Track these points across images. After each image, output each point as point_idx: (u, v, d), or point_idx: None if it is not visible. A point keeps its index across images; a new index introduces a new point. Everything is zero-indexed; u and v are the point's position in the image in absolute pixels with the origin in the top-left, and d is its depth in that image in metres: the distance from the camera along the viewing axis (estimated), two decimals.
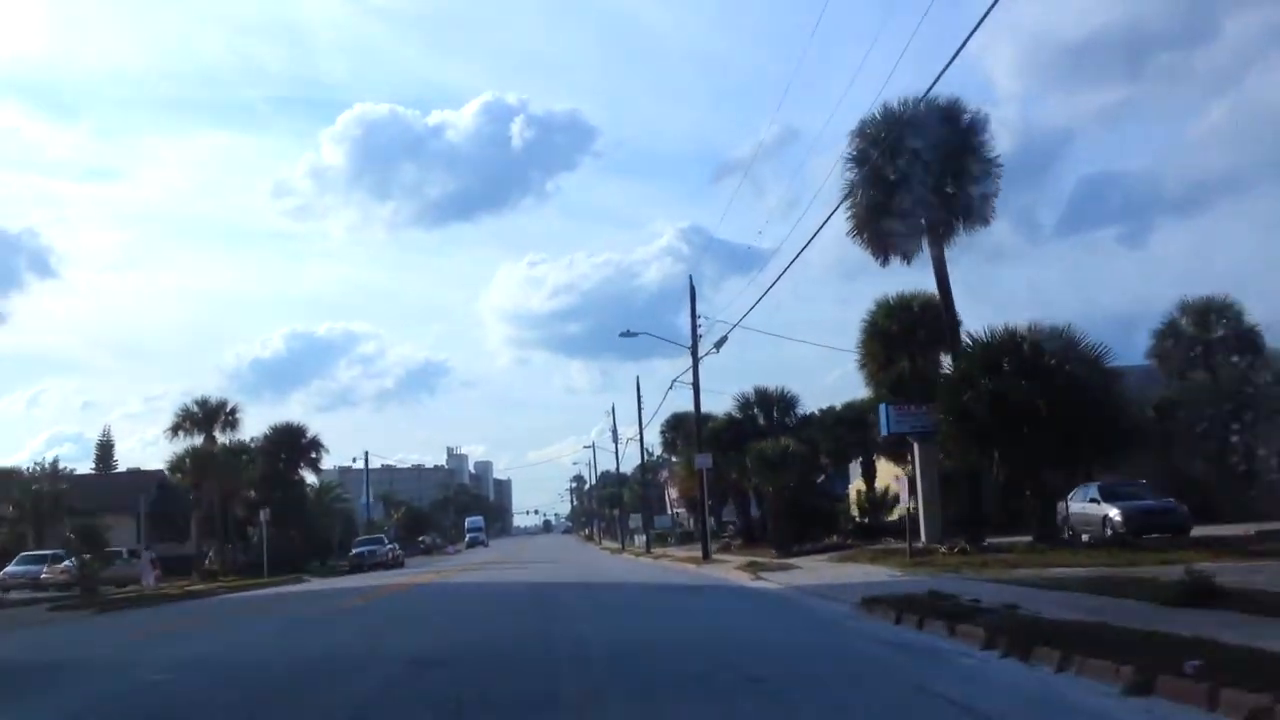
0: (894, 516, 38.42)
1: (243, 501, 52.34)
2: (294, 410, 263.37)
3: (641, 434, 55.34)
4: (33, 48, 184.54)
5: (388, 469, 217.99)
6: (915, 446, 29.25)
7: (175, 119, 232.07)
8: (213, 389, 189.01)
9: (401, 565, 58.48)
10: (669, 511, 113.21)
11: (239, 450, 50.57)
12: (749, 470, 38.48)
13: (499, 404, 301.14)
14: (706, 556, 34.35)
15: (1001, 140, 37.78)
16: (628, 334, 34.16)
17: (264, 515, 43.90)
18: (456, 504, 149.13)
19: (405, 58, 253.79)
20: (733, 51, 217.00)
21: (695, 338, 32.89)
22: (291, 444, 55.51)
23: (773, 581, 21.42)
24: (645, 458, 61.47)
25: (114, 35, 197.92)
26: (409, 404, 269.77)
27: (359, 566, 52.30)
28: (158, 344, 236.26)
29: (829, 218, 24.98)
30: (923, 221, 26.23)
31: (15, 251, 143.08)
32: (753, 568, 25.07)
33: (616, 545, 79.23)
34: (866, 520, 41.01)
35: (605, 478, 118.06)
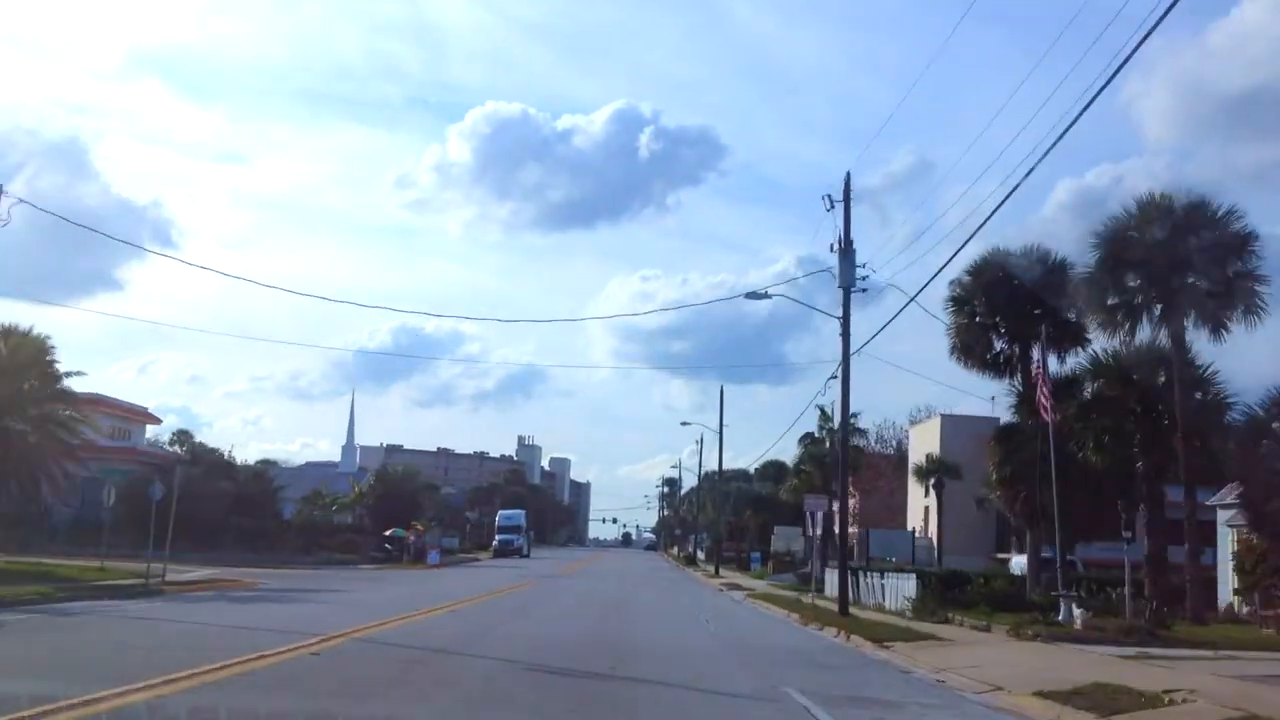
0: None
1: None
2: (393, 400, 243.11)
3: None
4: (178, 32, 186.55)
5: (444, 452, 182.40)
6: None
7: (308, 111, 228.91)
8: (317, 375, 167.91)
9: None
10: (809, 531, 71.09)
11: None
12: None
13: (595, 415, 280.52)
14: None
15: None
16: None
17: None
18: (505, 495, 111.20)
19: (540, 66, 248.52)
20: (869, 92, 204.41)
21: None
22: None
23: None
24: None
25: (256, 26, 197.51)
26: (504, 406, 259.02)
27: None
28: (268, 327, 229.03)
29: None
30: None
31: (140, 222, 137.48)
32: None
33: (768, 587, 38.11)
34: None
35: (709, 479, 79.19)
